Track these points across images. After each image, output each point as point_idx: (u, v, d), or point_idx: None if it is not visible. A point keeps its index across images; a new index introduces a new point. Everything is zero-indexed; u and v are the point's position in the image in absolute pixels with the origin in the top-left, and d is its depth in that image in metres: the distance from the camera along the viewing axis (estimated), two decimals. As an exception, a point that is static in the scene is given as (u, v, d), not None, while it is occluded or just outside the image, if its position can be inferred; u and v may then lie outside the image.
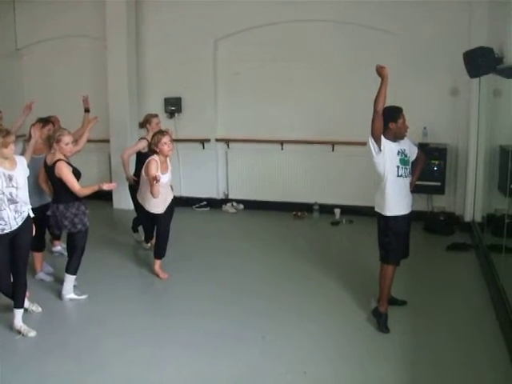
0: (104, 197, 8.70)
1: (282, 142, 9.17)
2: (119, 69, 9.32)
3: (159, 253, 6.33)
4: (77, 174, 5.49)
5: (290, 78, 8.88)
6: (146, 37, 9.60)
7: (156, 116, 7.21)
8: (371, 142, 4.88)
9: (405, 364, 4.34)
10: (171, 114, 9.46)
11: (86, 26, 9.77)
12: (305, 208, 9.01)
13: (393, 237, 5.00)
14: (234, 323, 5.10)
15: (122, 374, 4.29)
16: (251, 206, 9.36)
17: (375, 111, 4.77)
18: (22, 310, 5.00)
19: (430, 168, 7.73)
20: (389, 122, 4.93)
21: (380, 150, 4.86)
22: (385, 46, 8.32)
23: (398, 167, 4.96)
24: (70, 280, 5.69)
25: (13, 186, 4.65)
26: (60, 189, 5.46)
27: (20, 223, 4.78)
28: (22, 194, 4.76)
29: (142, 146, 6.88)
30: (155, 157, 6.00)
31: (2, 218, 4.63)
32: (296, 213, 8.97)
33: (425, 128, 8.11)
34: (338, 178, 8.81)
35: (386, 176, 4.95)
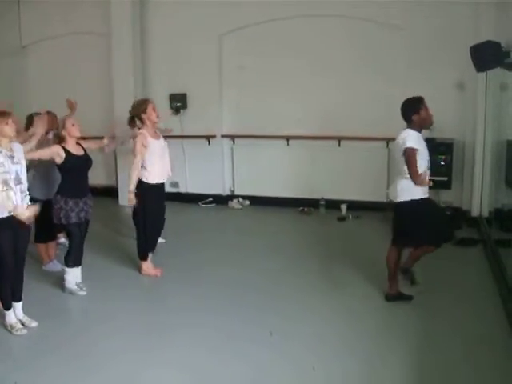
0: (110, 194, 8.71)
1: (287, 138, 9.17)
2: (124, 65, 9.33)
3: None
4: (85, 162, 5.59)
5: (296, 74, 8.85)
6: (151, 33, 9.60)
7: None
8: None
9: (412, 359, 4.32)
10: (177, 111, 9.45)
11: (91, 23, 9.80)
12: (311, 204, 8.99)
13: (427, 218, 5.08)
14: (240, 320, 5.08)
15: (123, 374, 4.22)
16: (257, 201, 9.35)
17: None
18: (21, 303, 4.98)
19: (437, 163, 7.69)
20: (411, 114, 5.01)
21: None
22: (391, 41, 8.32)
23: (427, 160, 5.11)
24: (69, 273, 5.70)
25: (17, 163, 4.62)
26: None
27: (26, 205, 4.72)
28: (25, 172, 4.73)
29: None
30: (143, 131, 5.94)
31: (10, 199, 4.55)
32: (302, 208, 8.96)
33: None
34: (344, 174, 8.80)
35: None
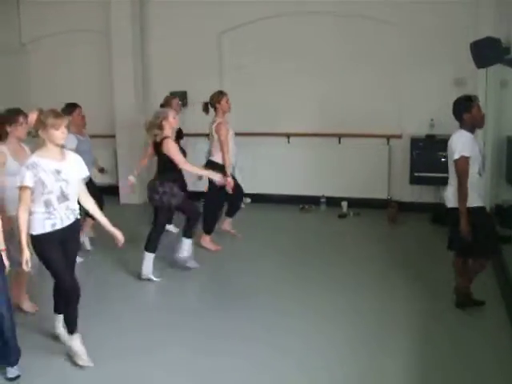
0: (110, 191, 8.70)
1: (288, 135, 9.17)
2: (124, 63, 9.34)
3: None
4: (181, 152, 6.06)
5: (296, 71, 8.84)
6: (150, 31, 9.61)
7: (176, 97, 7.85)
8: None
9: (415, 357, 4.32)
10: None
11: (91, 21, 9.79)
12: (312, 201, 8.99)
13: (478, 229, 4.83)
14: (240, 318, 5.07)
15: (123, 372, 4.22)
16: (258, 199, 9.33)
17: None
18: (62, 317, 4.48)
19: (437, 160, 7.71)
20: (462, 113, 4.83)
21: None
22: (389, 37, 8.35)
23: (481, 162, 4.90)
24: (148, 258, 5.99)
25: (62, 180, 4.04)
26: (160, 165, 6.01)
27: (72, 220, 4.21)
28: (73, 186, 4.15)
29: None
30: (220, 120, 6.81)
31: (54, 216, 4.09)
32: (303, 206, 8.96)
33: (432, 120, 8.10)
34: (344, 171, 8.78)
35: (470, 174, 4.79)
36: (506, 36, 6.69)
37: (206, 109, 7.00)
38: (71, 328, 4.31)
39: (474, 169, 4.79)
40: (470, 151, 4.74)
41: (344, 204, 8.71)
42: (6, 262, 4.00)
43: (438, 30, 7.96)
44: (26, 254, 3.99)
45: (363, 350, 4.44)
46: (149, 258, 5.99)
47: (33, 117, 4.31)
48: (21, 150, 4.92)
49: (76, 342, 4.31)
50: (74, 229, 4.27)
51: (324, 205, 8.91)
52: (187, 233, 6.20)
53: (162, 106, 7.66)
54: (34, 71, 10.51)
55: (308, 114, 8.93)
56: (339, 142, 8.92)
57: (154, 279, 6.00)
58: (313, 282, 5.92)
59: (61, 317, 4.52)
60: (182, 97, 9.36)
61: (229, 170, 6.77)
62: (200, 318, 5.11)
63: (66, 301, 4.28)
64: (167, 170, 5.92)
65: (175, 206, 6.01)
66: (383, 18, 8.28)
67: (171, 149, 5.82)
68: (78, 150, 6.14)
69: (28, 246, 4.02)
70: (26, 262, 4.00)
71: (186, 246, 6.22)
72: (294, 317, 5.08)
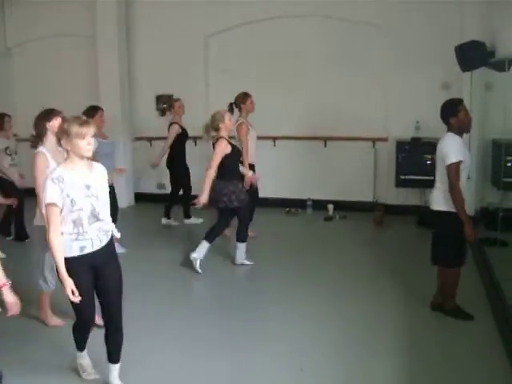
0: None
1: (274, 139, 9.17)
2: (110, 67, 9.32)
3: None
4: (238, 152, 6.30)
5: (282, 74, 8.86)
6: (136, 34, 9.61)
7: (178, 100, 8.17)
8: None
9: (402, 360, 4.30)
10: (163, 112, 9.41)
11: (77, 25, 9.76)
12: (298, 204, 9.01)
13: (458, 236, 4.77)
14: (226, 324, 5.02)
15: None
16: (244, 202, 9.32)
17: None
18: (118, 366, 3.92)
19: (423, 162, 7.75)
20: (449, 117, 4.75)
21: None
22: (375, 41, 8.41)
23: (469, 166, 4.87)
24: (240, 247, 6.44)
25: (92, 195, 3.54)
26: (220, 165, 6.10)
27: (105, 242, 3.65)
28: (104, 203, 3.67)
29: (176, 131, 8.01)
30: (243, 120, 7.01)
31: (83, 237, 3.56)
32: (289, 209, 8.97)
33: (417, 122, 8.13)
34: (330, 174, 8.81)
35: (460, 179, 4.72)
36: (490, 39, 6.75)
37: (231, 109, 7.08)
38: (77, 346, 4.06)
39: (463, 174, 4.74)
40: (463, 155, 4.68)
41: (330, 207, 8.73)
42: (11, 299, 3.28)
43: (424, 33, 8.01)
44: (70, 283, 3.47)
45: (350, 353, 4.42)
46: (240, 247, 6.45)
47: (55, 123, 4.22)
48: (59, 153, 4.33)
49: (85, 359, 4.11)
50: (108, 251, 3.70)
51: (310, 208, 8.92)
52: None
53: (163, 110, 8.38)
54: (19, 75, 10.48)
55: (294, 117, 8.95)
56: (325, 146, 8.93)
57: (247, 263, 6.47)
58: (299, 286, 5.88)
59: (115, 367, 3.93)
60: (168, 100, 9.35)
61: (247, 170, 6.84)
62: (181, 326, 5.05)
63: (78, 328, 3.96)
64: (223, 169, 6.11)
65: (242, 203, 6.24)
66: (369, 20, 8.33)
67: (217, 148, 6.08)
68: (98, 153, 6.05)
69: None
70: (72, 292, 3.47)
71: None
72: (281, 322, 5.03)
